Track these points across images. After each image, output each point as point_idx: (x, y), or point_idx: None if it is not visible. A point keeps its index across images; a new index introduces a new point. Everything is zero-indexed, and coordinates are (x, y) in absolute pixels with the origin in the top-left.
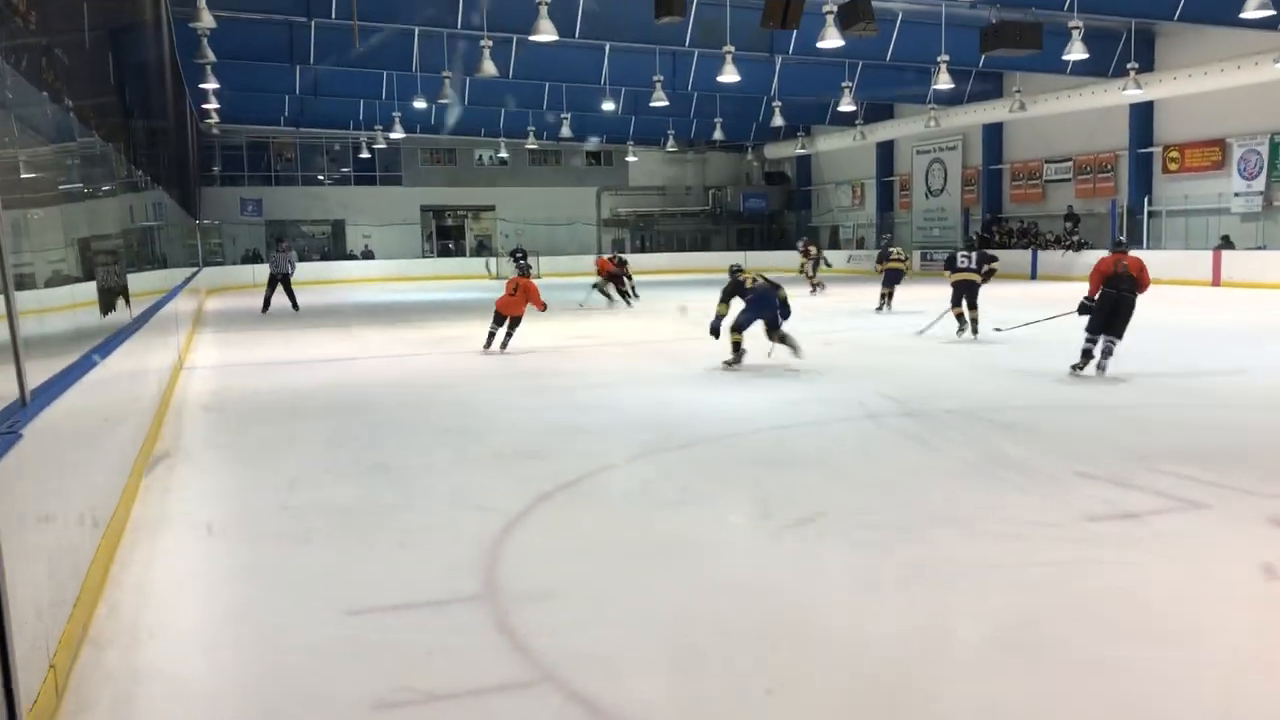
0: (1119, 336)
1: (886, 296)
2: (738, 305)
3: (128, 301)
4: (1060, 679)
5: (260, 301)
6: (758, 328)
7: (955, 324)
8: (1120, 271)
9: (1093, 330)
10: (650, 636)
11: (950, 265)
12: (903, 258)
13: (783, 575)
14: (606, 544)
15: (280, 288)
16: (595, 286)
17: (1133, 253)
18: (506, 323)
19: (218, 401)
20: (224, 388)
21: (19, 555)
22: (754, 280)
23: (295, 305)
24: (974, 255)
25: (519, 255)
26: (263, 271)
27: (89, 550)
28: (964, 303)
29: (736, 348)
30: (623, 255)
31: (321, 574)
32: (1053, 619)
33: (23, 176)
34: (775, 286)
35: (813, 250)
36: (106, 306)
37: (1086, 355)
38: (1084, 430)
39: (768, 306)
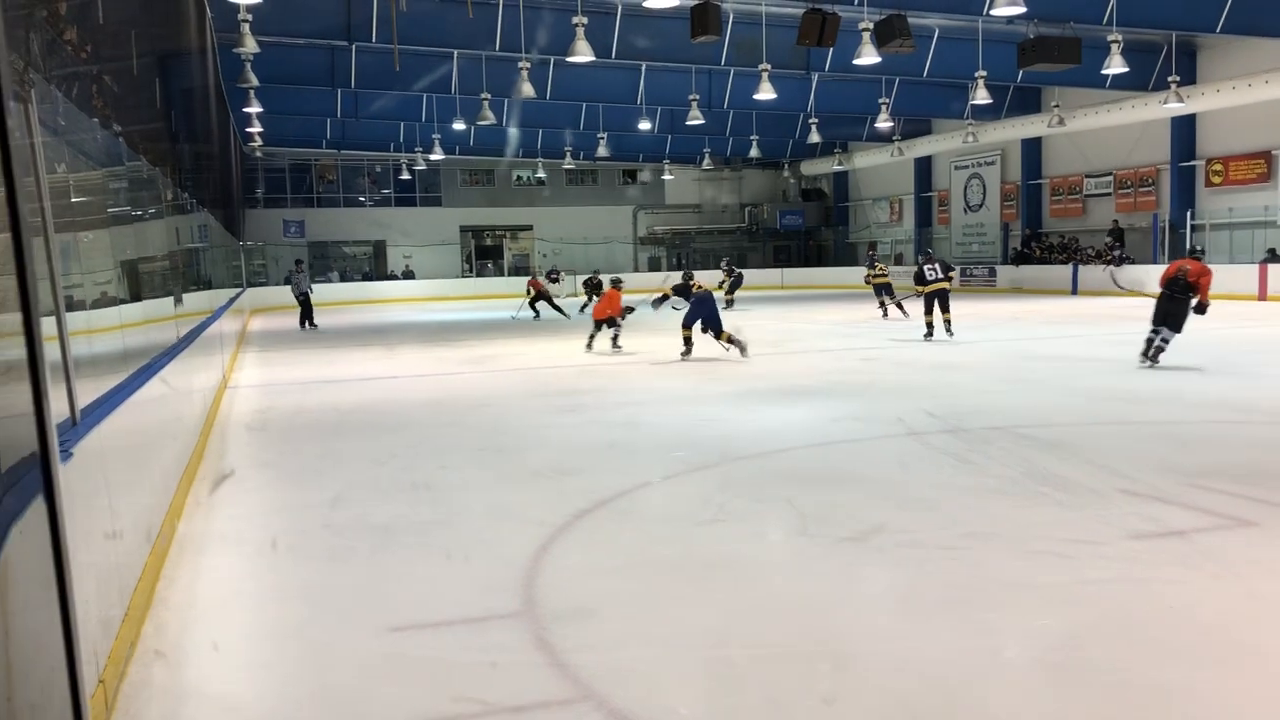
0: (1175, 330)
1: (930, 324)
2: (681, 303)
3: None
4: (1108, 701)
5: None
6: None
7: (926, 329)
8: (1178, 276)
9: (1153, 323)
10: (689, 655)
11: (920, 280)
12: (884, 272)
13: (822, 594)
14: (644, 562)
15: (305, 308)
16: (531, 304)
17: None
18: (603, 326)
19: (261, 420)
20: (267, 406)
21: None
22: (699, 286)
23: (313, 324)
24: (939, 265)
25: (553, 275)
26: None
27: (136, 567)
28: (936, 309)
29: (687, 342)
30: (555, 274)
31: (364, 591)
32: (1099, 639)
33: (73, 200)
34: (709, 293)
35: (734, 270)
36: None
37: (1149, 344)
38: (1127, 447)
39: (705, 306)
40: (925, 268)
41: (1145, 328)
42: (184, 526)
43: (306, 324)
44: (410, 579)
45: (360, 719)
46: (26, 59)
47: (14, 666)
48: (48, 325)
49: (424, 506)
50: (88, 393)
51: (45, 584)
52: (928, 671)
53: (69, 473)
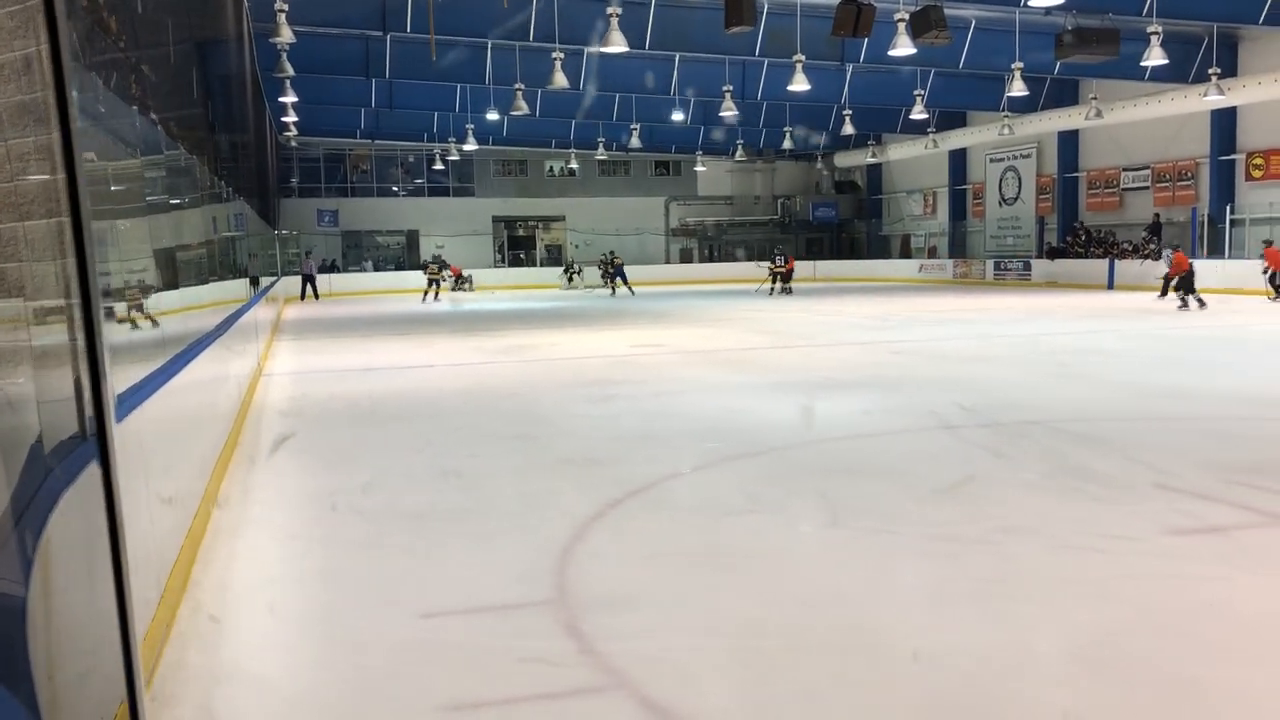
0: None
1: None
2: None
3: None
4: (1143, 698)
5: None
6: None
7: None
8: None
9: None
10: (721, 644)
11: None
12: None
13: (854, 586)
14: (675, 551)
15: (309, 284)
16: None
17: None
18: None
19: (295, 407)
20: (301, 394)
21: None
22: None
23: (316, 295)
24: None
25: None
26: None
27: (172, 552)
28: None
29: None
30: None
31: (396, 577)
32: (1135, 635)
33: (112, 188)
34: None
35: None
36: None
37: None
38: (1165, 442)
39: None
40: (776, 256)
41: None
42: (219, 512)
43: (315, 295)
44: (441, 565)
45: (392, 700)
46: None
47: (58, 643)
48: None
49: (455, 493)
50: (122, 380)
51: (88, 560)
52: (961, 664)
53: None
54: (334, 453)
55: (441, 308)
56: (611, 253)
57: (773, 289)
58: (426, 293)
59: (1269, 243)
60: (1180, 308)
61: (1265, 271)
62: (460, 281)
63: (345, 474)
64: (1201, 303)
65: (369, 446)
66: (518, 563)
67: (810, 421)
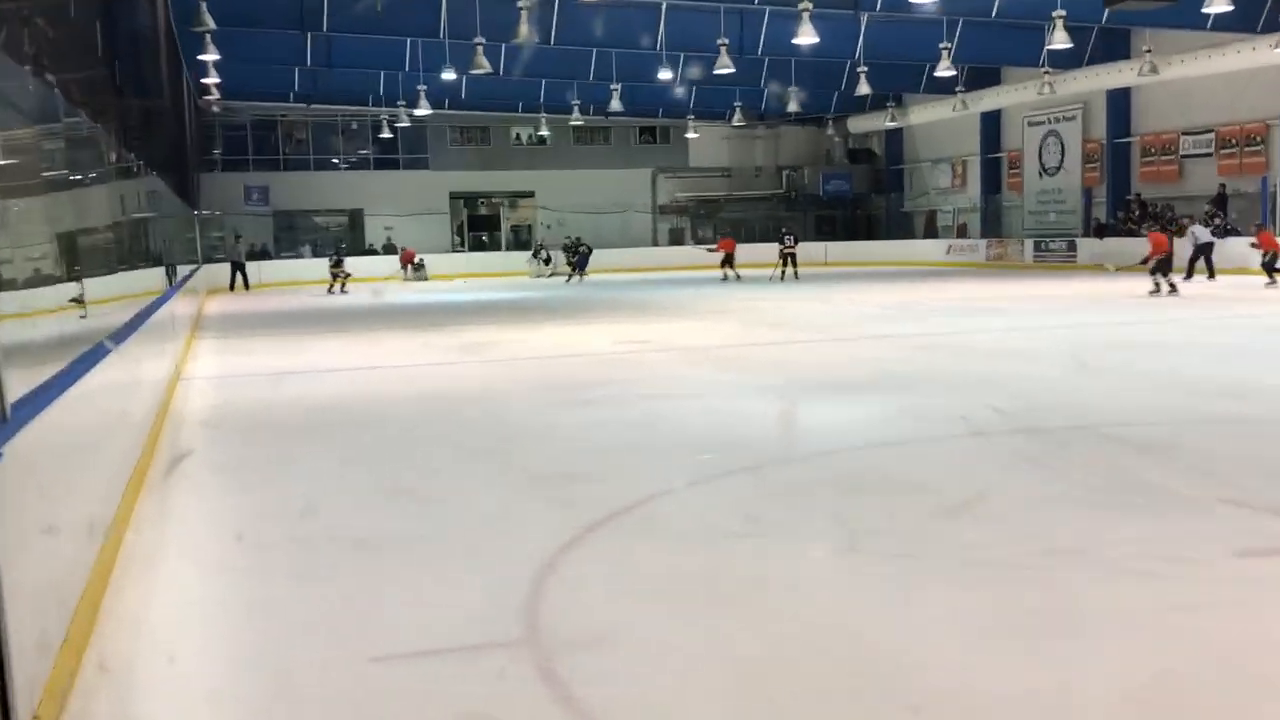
0: None
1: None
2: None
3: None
4: None
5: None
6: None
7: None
8: None
9: None
10: (717, 690)
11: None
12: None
13: (874, 622)
14: (666, 581)
15: (239, 272)
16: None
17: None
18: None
19: (219, 416)
20: (227, 401)
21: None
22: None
23: (247, 285)
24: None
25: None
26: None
27: (77, 586)
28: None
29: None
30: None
31: (339, 615)
32: (1197, 676)
33: (1, 163)
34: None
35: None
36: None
37: None
38: (1230, 449)
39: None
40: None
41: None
42: (132, 538)
43: (245, 285)
44: (393, 600)
45: None
46: None
47: None
48: None
49: (408, 517)
50: (20, 385)
51: None
52: (997, 711)
53: None
54: (265, 469)
55: (396, 299)
56: (578, 239)
57: (783, 273)
58: (331, 286)
59: (1261, 225)
60: (1151, 293)
61: (1264, 255)
62: (413, 269)
63: (279, 494)
64: (1173, 287)
65: (306, 462)
66: (481, 597)
67: (821, 429)
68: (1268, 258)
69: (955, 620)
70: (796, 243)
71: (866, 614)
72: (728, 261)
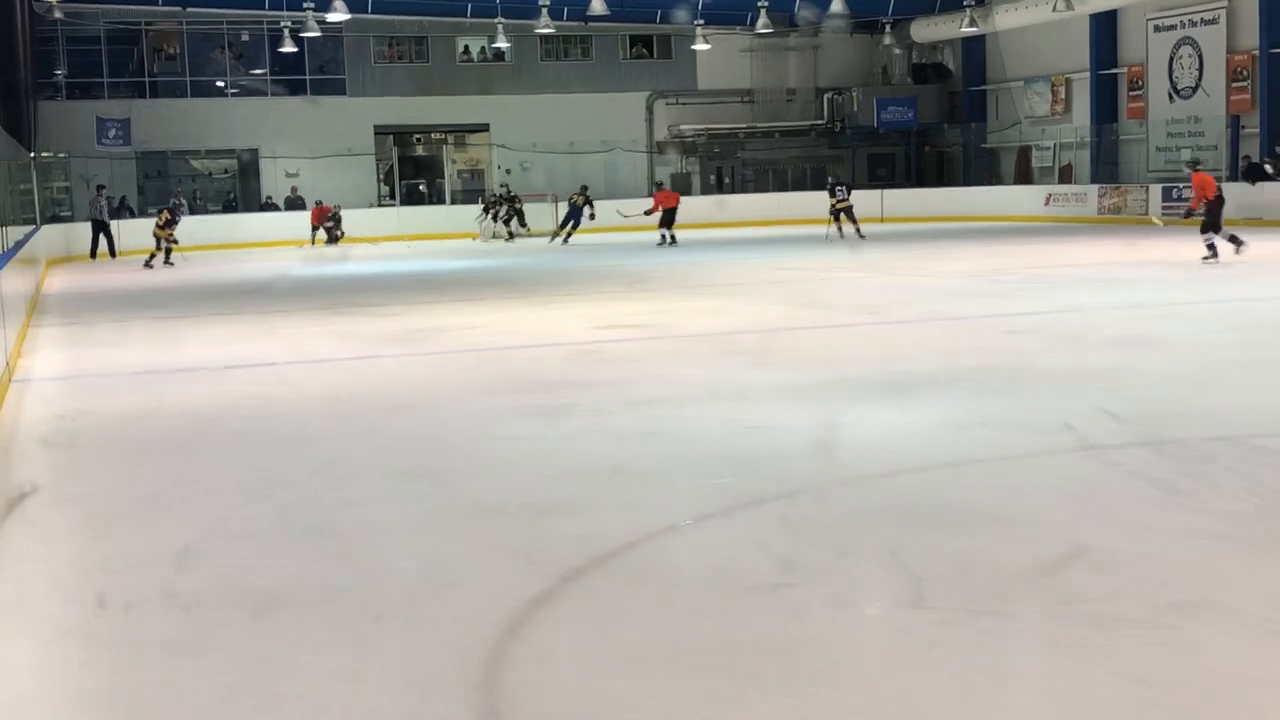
0: None
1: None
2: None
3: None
4: None
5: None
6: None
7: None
8: None
9: None
10: None
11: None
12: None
13: (946, 695)
14: (669, 649)
15: (102, 235)
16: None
17: None
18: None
19: (67, 431)
20: (77, 410)
21: None
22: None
23: (112, 252)
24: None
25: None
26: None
27: None
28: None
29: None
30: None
31: (229, 698)
32: None
33: None
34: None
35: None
36: None
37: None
38: None
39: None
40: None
41: None
42: None
43: (99, 253)
44: (303, 676)
45: None
46: None
47: None
48: None
49: (323, 563)
50: None
51: None
52: None
53: None
54: (130, 503)
55: (298, 270)
56: (507, 189)
57: (840, 231)
58: (153, 255)
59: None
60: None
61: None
62: (328, 225)
63: (149, 536)
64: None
65: (187, 492)
66: (421, 671)
67: (875, 444)
68: None
69: (1054, 691)
70: (849, 194)
71: (938, 690)
72: (666, 221)
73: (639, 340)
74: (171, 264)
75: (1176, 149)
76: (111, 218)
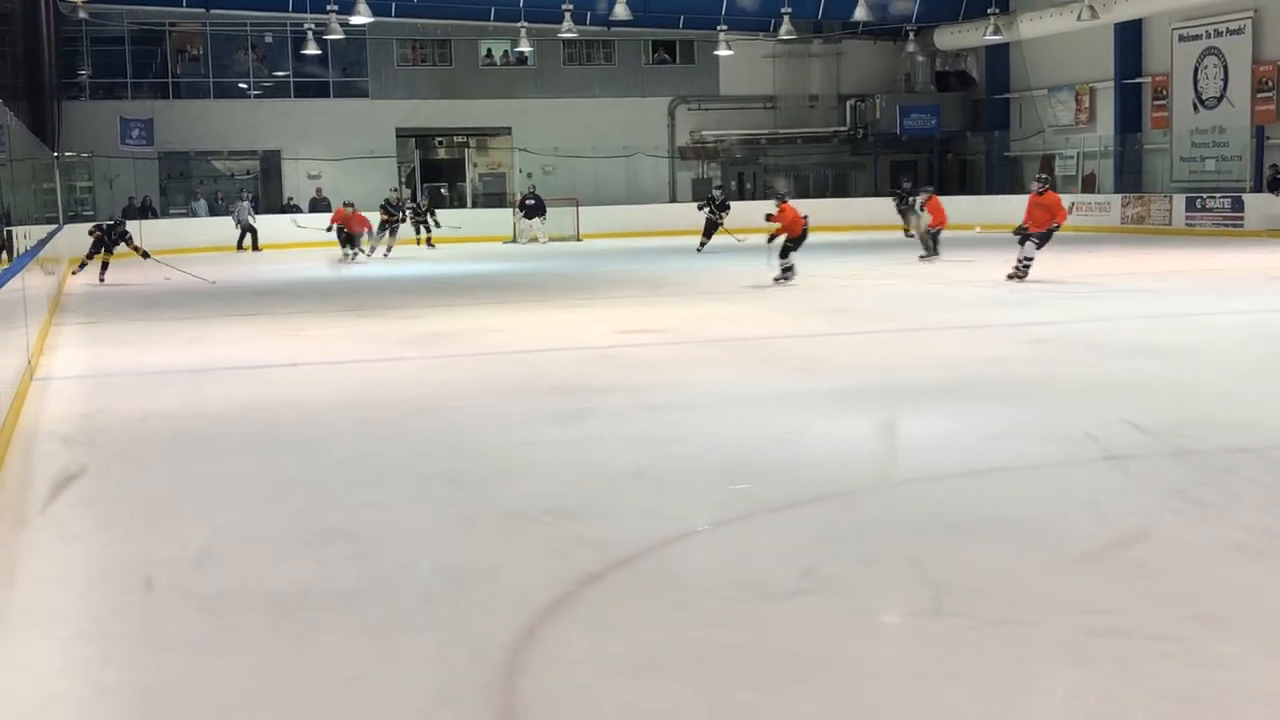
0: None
1: None
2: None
3: None
4: None
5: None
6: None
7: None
8: None
9: None
10: None
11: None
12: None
13: (968, 706)
14: (688, 656)
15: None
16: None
17: None
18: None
19: (87, 431)
20: (97, 409)
21: None
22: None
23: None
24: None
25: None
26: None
27: None
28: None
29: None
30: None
31: (247, 702)
32: None
33: None
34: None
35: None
36: None
37: None
38: None
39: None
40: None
41: None
42: None
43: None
44: (322, 677)
45: None
46: None
47: None
48: None
49: (342, 567)
50: None
51: None
52: None
53: None
54: (150, 503)
55: (323, 273)
56: (418, 198)
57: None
58: (84, 262)
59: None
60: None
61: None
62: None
63: (167, 536)
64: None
65: (205, 493)
66: (438, 675)
67: (899, 451)
68: None
69: (1077, 708)
70: (913, 198)
71: (960, 701)
72: (789, 248)
73: (660, 345)
74: (103, 280)
75: (1201, 159)
76: (135, 218)
